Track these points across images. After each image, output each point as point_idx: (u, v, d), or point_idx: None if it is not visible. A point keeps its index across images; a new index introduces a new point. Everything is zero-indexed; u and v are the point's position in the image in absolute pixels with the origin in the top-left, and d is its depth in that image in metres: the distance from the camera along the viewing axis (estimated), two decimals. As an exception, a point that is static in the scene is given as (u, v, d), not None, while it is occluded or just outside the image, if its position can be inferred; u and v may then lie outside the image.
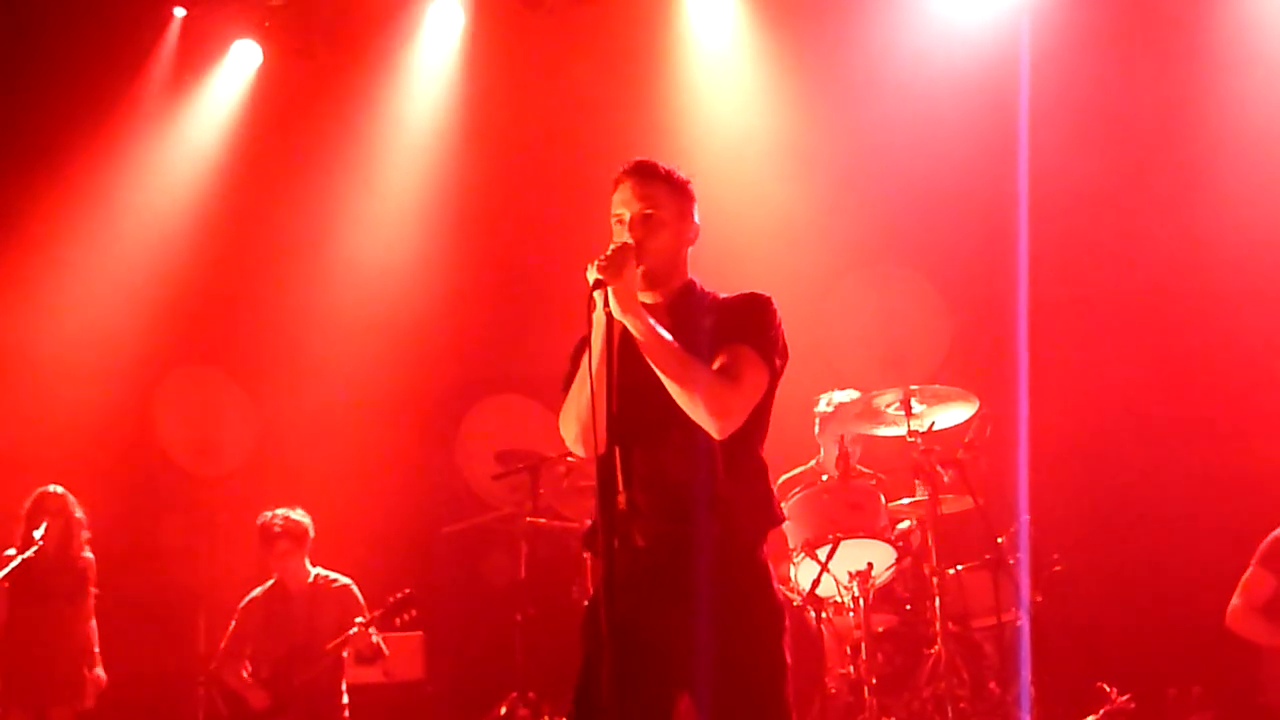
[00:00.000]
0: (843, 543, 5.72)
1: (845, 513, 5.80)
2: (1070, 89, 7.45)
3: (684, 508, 3.37)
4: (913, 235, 7.65)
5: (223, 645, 6.77)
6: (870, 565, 5.75)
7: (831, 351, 7.09)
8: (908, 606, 6.07)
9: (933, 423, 5.97)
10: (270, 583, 6.78)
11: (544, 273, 7.53)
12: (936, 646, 5.70)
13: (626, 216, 3.49)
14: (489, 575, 7.56)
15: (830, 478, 6.05)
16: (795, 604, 5.69)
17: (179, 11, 8.50)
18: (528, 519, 6.89)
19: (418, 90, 8.53)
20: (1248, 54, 7.41)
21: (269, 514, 6.71)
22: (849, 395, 6.49)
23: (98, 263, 8.53)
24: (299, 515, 6.73)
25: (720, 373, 3.37)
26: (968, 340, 7.42)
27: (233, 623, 6.77)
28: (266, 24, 8.49)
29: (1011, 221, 7.06)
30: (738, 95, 8.22)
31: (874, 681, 5.59)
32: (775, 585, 3.46)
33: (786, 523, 5.31)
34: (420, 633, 7.47)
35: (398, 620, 6.64)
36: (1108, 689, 5.98)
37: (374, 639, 6.53)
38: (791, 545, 5.83)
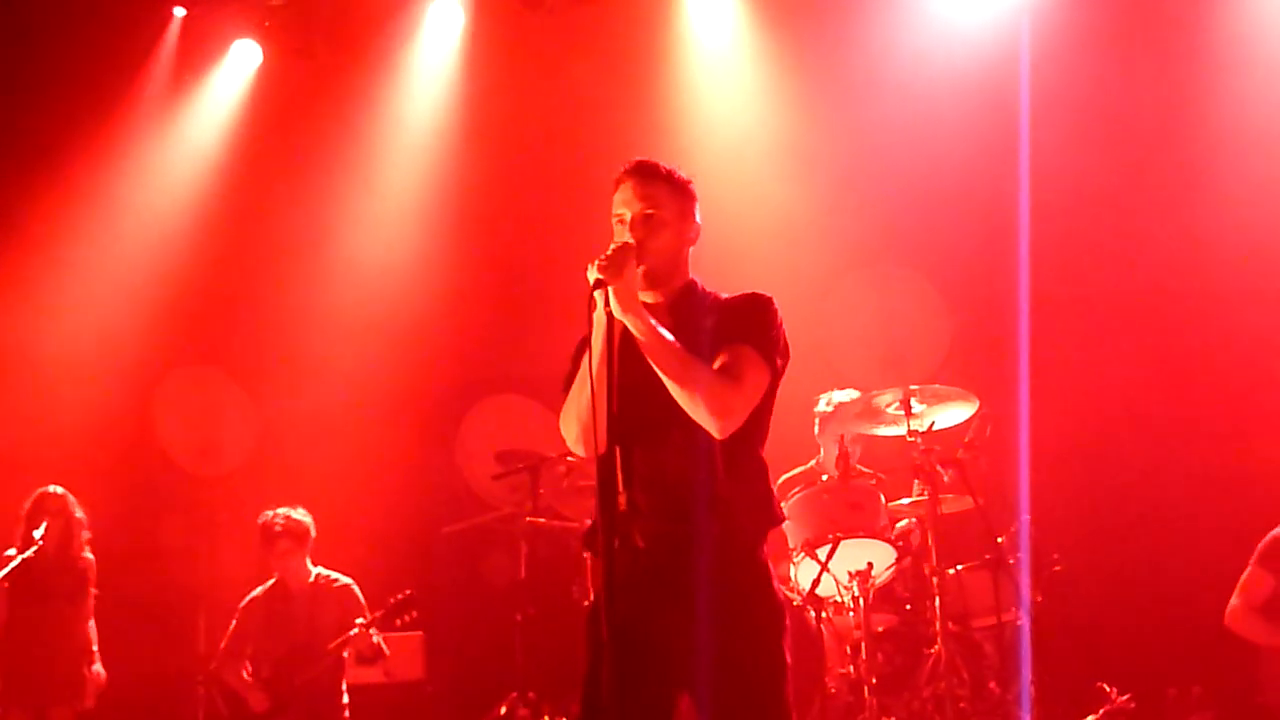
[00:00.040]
0: (843, 542, 5.72)
1: (845, 512, 5.81)
2: (1070, 89, 7.45)
3: (684, 508, 3.37)
4: (913, 235, 7.65)
5: (223, 645, 6.77)
6: (870, 565, 5.75)
7: (831, 351, 7.09)
8: (908, 606, 6.08)
9: (933, 423, 5.97)
10: (271, 582, 6.78)
11: (544, 273, 7.53)
12: (936, 646, 5.70)
13: (627, 216, 3.49)
14: (489, 575, 7.56)
15: (830, 477, 6.05)
16: (795, 604, 5.69)
17: (179, 11, 8.50)
18: (528, 519, 6.89)
19: (418, 90, 8.53)
20: (1247, 54, 7.41)
21: (270, 513, 6.71)
22: (849, 395, 6.49)
23: (98, 263, 8.53)
24: (300, 515, 6.72)
25: (721, 372, 3.37)
26: (968, 340, 7.41)
27: (233, 622, 6.76)
28: (266, 24, 8.49)
29: (1011, 221, 7.07)
30: (738, 95, 8.22)
31: (874, 681, 5.59)
32: (776, 585, 3.46)
33: (786, 523, 5.31)
34: (420, 633, 7.47)
35: (398, 621, 6.64)
36: (1108, 689, 5.98)
37: (375, 639, 6.53)
38: (791, 545, 5.83)
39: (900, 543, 5.91)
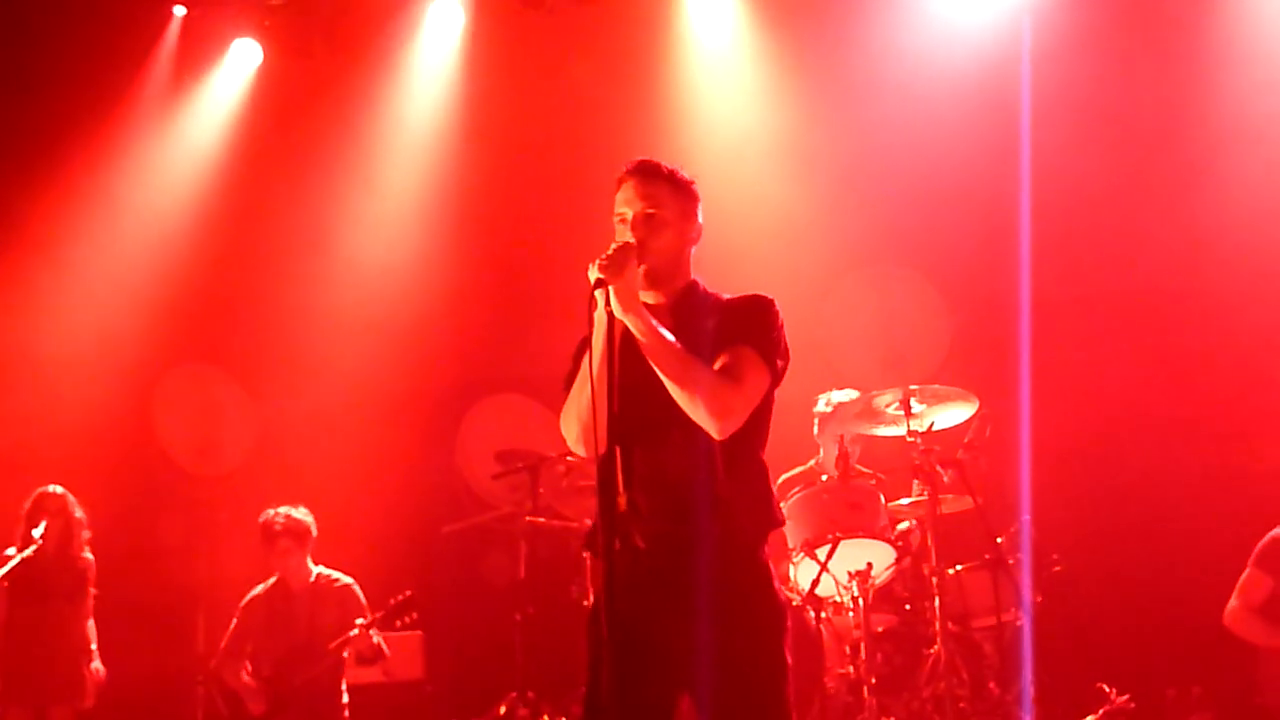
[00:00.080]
0: (842, 542, 5.71)
1: (845, 512, 5.80)
2: (1071, 89, 7.46)
3: (685, 508, 3.36)
4: (913, 235, 7.65)
5: (223, 643, 6.77)
6: (870, 565, 5.74)
7: (831, 351, 7.09)
8: (907, 606, 6.07)
9: (932, 423, 5.97)
10: (272, 581, 6.78)
11: (544, 273, 7.52)
12: (936, 646, 5.70)
13: (629, 216, 3.48)
14: (489, 575, 7.56)
15: (830, 477, 6.05)
16: (795, 604, 5.69)
17: (179, 10, 8.49)
18: (527, 518, 6.90)
19: (418, 90, 8.52)
20: (1248, 54, 7.41)
21: (271, 512, 6.70)
22: (847, 395, 6.49)
23: (98, 262, 8.53)
24: (301, 514, 6.71)
25: (721, 373, 3.36)
26: (968, 340, 7.42)
27: (234, 620, 6.76)
28: (266, 23, 8.48)
29: (1012, 221, 7.07)
30: (738, 95, 8.22)
31: (873, 681, 5.59)
32: (777, 586, 3.45)
33: (786, 523, 5.31)
34: (420, 632, 7.47)
35: (398, 622, 6.64)
36: (1107, 689, 5.99)
37: (375, 640, 6.52)
38: (791, 545, 5.82)
39: (900, 543, 5.91)
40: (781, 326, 3.51)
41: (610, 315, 3.27)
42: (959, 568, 6.03)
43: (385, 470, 8.18)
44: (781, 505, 3.73)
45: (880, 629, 5.93)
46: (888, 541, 5.82)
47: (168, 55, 8.57)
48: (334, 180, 8.56)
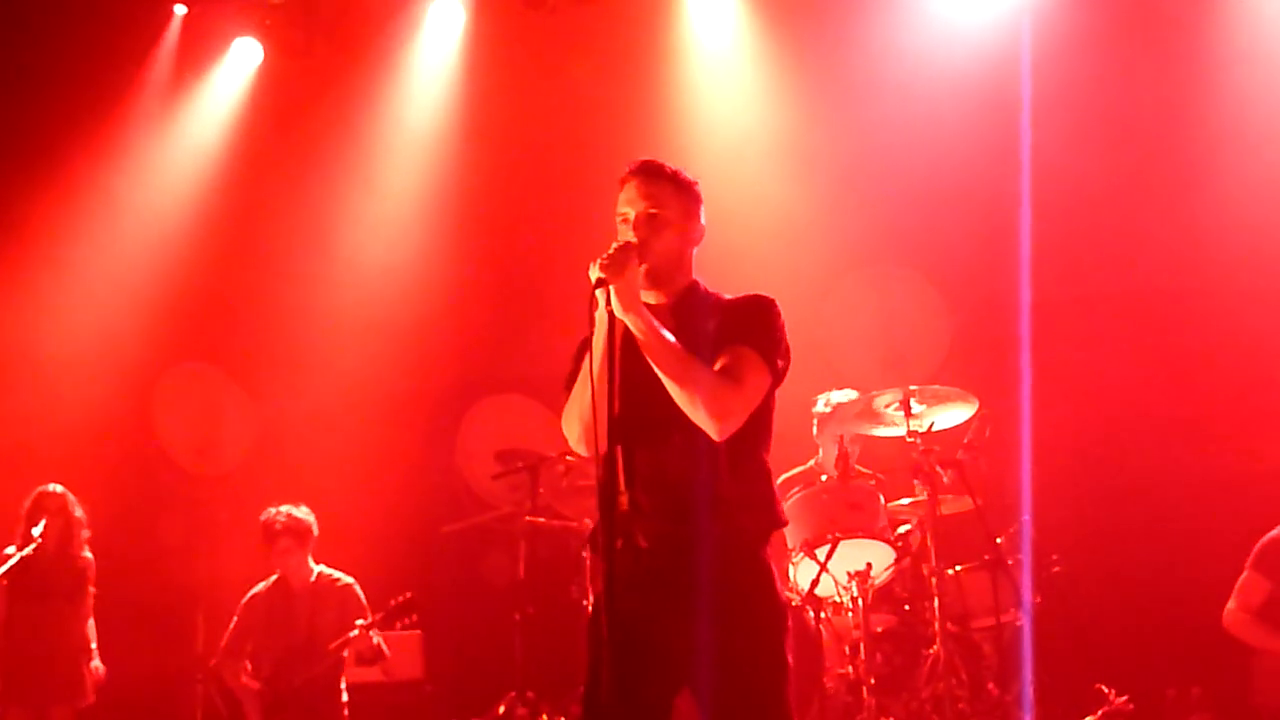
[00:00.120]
0: (842, 543, 5.72)
1: (844, 513, 5.80)
2: (1071, 89, 7.45)
3: (686, 508, 3.36)
4: (913, 235, 7.65)
5: (224, 642, 6.76)
6: (869, 565, 5.74)
7: (831, 351, 7.09)
8: (906, 607, 6.07)
9: (932, 423, 5.97)
10: (273, 579, 6.77)
11: (544, 273, 7.53)
12: (935, 647, 5.70)
13: (631, 215, 3.49)
14: (488, 574, 7.56)
15: (829, 478, 6.05)
16: (794, 604, 5.69)
17: (179, 9, 8.50)
18: (527, 518, 6.89)
19: (418, 90, 8.52)
20: (1248, 54, 7.41)
21: (272, 511, 6.70)
22: (846, 395, 6.49)
23: (98, 261, 8.53)
24: (302, 513, 6.71)
25: (721, 374, 3.36)
26: (968, 340, 7.41)
27: (234, 619, 6.75)
28: (267, 22, 8.49)
29: (1012, 221, 7.07)
30: (738, 95, 8.22)
31: (872, 682, 5.59)
32: (778, 586, 3.45)
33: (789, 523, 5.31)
34: (419, 632, 7.47)
35: (398, 624, 6.64)
36: (1106, 690, 5.98)
37: (375, 641, 6.52)
38: (790, 545, 5.82)
39: (899, 543, 5.91)
40: (783, 327, 3.51)
41: (611, 315, 3.27)
42: (958, 568, 6.03)
43: (385, 470, 8.18)
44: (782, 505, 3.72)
45: (880, 629, 5.93)
46: (887, 542, 5.82)
47: (168, 54, 8.57)
48: (334, 180, 8.55)
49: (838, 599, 5.81)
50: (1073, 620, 6.58)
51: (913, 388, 5.91)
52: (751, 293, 3.57)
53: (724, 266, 3.88)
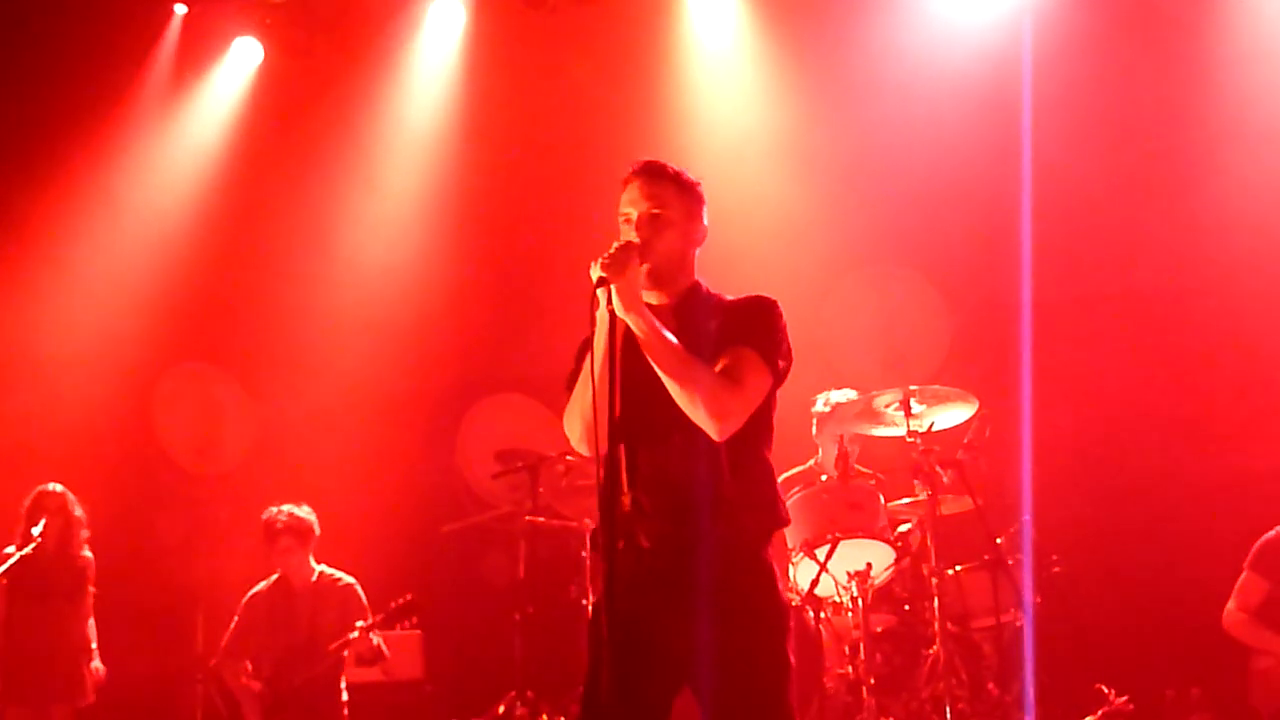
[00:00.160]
0: (841, 543, 5.72)
1: (844, 513, 5.80)
2: (1071, 89, 7.45)
3: (688, 508, 3.36)
4: (913, 235, 7.65)
5: (224, 641, 6.76)
6: (869, 565, 5.74)
7: (831, 351, 7.09)
8: (906, 607, 6.07)
9: (932, 423, 5.97)
10: (274, 578, 6.77)
11: (544, 273, 7.53)
12: (935, 647, 5.70)
13: (633, 215, 3.49)
14: (488, 574, 7.57)
15: (829, 478, 6.04)
16: (794, 604, 5.69)
17: (180, 9, 8.50)
18: (527, 518, 6.90)
19: (418, 89, 8.52)
20: (1248, 54, 7.41)
21: (274, 510, 6.70)
22: (845, 395, 6.49)
23: (98, 261, 8.53)
24: (304, 512, 6.71)
25: (722, 374, 3.36)
26: (968, 340, 7.42)
27: (235, 618, 6.75)
28: (267, 21, 8.48)
29: (1012, 221, 7.07)
30: (738, 95, 8.22)
31: (872, 682, 5.58)
32: (780, 586, 3.45)
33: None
34: (419, 632, 7.47)
35: (399, 625, 6.63)
36: (1106, 690, 5.99)
37: (375, 642, 6.52)
38: (790, 545, 5.82)
39: (899, 543, 5.91)
40: (784, 328, 3.51)
41: (612, 314, 3.27)
42: (958, 568, 6.03)
43: (385, 470, 8.18)
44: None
45: (879, 629, 5.93)
46: (887, 542, 5.82)
47: (168, 54, 8.57)
48: (334, 180, 8.56)
49: (838, 599, 5.81)
50: (1073, 620, 6.58)
51: (913, 388, 5.91)
52: (753, 294, 3.56)
53: (724, 267, 3.88)
